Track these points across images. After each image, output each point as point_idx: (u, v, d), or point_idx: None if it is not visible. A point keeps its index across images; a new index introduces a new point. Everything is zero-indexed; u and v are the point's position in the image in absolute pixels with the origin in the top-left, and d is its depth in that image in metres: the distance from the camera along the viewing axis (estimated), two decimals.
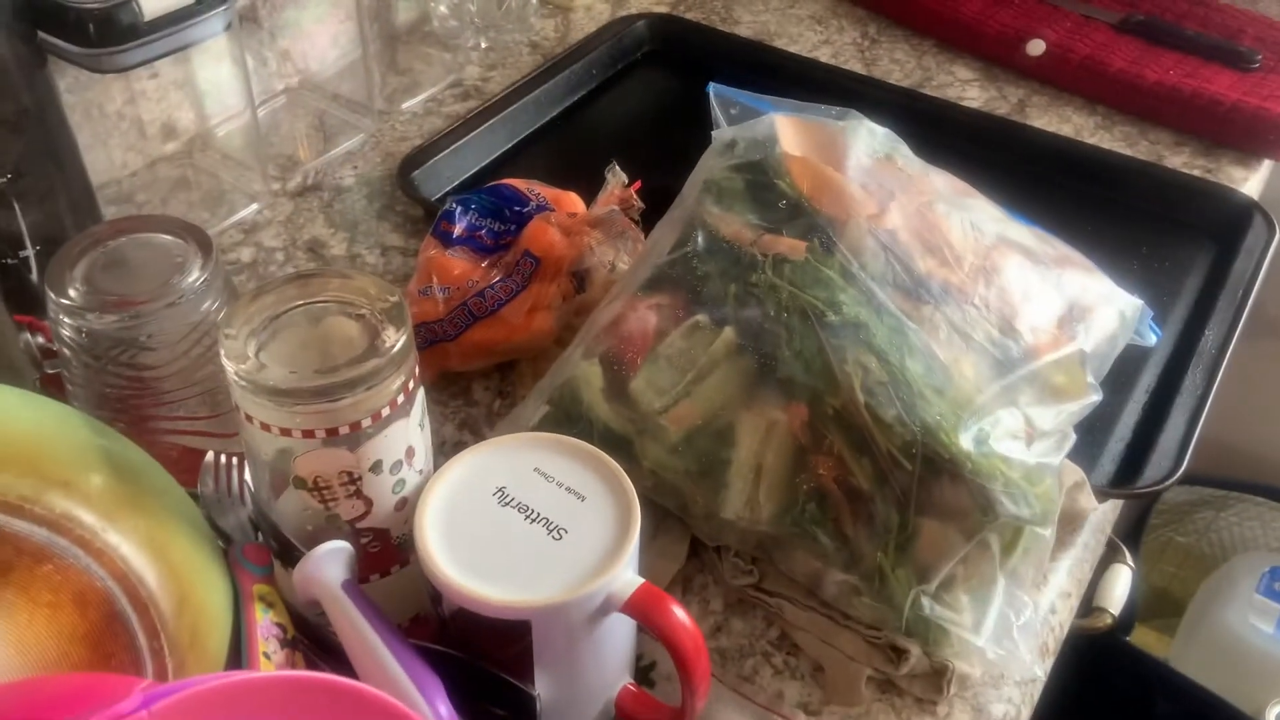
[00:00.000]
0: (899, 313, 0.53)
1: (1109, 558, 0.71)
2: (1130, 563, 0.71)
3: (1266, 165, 0.87)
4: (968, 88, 0.94)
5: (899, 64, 0.97)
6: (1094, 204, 0.82)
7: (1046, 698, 0.56)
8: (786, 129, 0.60)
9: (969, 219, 0.58)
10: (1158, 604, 1.32)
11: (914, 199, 0.58)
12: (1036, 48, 0.93)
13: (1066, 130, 0.89)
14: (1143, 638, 1.26)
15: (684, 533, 0.57)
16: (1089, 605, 0.70)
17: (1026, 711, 0.54)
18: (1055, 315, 0.56)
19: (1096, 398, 0.55)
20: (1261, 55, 0.89)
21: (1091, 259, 0.61)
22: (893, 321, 0.53)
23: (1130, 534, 1.27)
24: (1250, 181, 0.84)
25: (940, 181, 0.61)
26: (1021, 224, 0.61)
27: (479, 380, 0.68)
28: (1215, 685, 1.11)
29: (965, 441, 0.50)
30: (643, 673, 0.53)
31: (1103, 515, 0.63)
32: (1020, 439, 0.52)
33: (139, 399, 0.52)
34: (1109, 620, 0.69)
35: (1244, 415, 1.25)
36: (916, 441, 0.50)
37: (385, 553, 0.49)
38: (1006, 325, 0.54)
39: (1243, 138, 0.85)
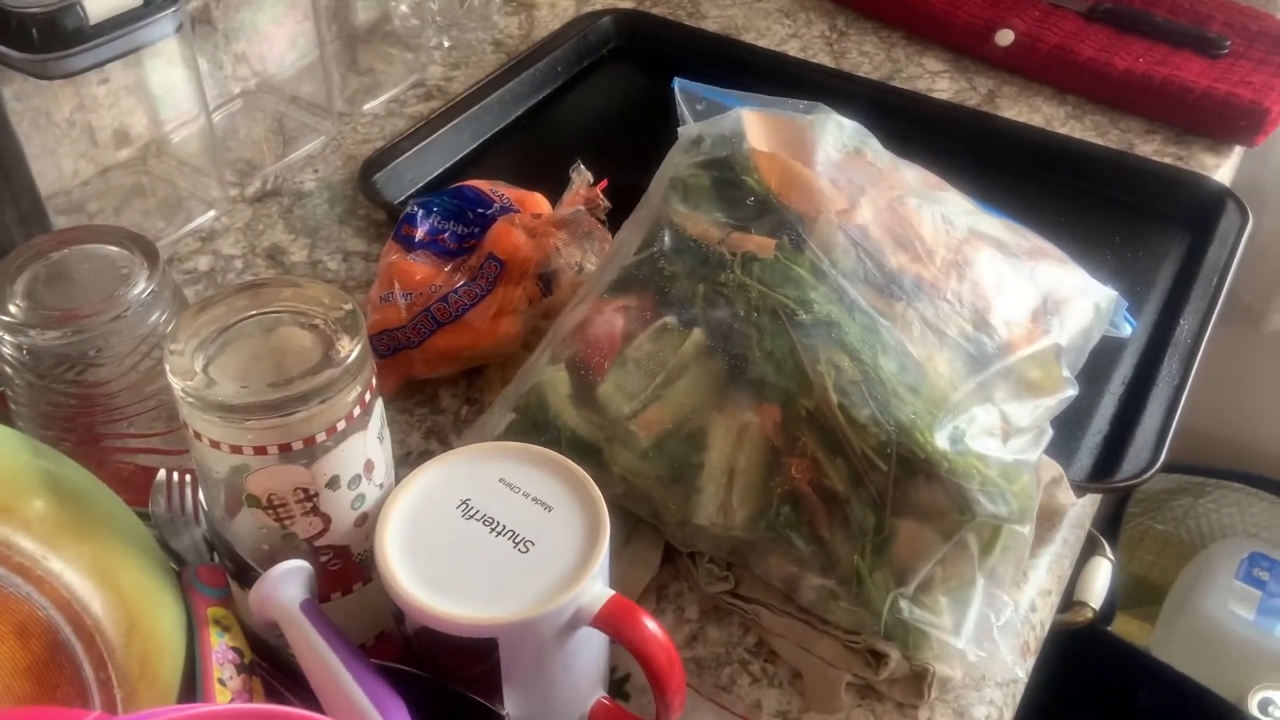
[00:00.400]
0: (871, 310, 0.52)
1: (1088, 551, 0.70)
2: (1110, 555, 0.71)
3: (1238, 151, 0.86)
4: (937, 79, 0.93)
5: (868, 56, 0.96)
6: (1066, 194, 0.82)
7: (1027, 690, 0.55)
8: (754, 124, 0.59)
9: (940, 212, 0.57)
10: (1137, 592, 1.32)
11: (884, 193, 0.57)
12: (1005, 38, 0.92)
13: (1037, 120, 0.88)
14: (1123, 626, 1.26)
15: (657, 540, 0.56)
16: (1069, 599, 0.69)
17: (1009, 713, 0.53)
18: (1029, 309, 0.55)
19: (1073, 392, 0.54)
20: (1231, 41, 0.89)
21: (1064, 250, 0.60)
22: (865, 319, 0.52)
23: (1109, 523, 1.27)
24: (1222, 168, 0.84)
25: (911, 175, 0.60)
26: (993, 216, 0.60)
27: (445, 387, 0.66)
28: (1196, 673, 1.11)
29: (941, 440, 0.49)
30: (616, 685, 0.52)
31: (1081, 509, 0.62)
32: (996, 436, 0.51)
33: (87, 417, 0.50)
34: (1090, 614, 0.69)
35: (1219, 402, 1.25)
36: (891, 441, 0.49)
37: (346, 570, 0.47)
38: (980, 320, 0.53)
39: (1214, 124, 0.85)
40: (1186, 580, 1.24)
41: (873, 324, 0.52)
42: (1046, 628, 0.57)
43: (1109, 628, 1.19)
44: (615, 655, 0.51)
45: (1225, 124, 0.84)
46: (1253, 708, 1.11)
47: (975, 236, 0.57)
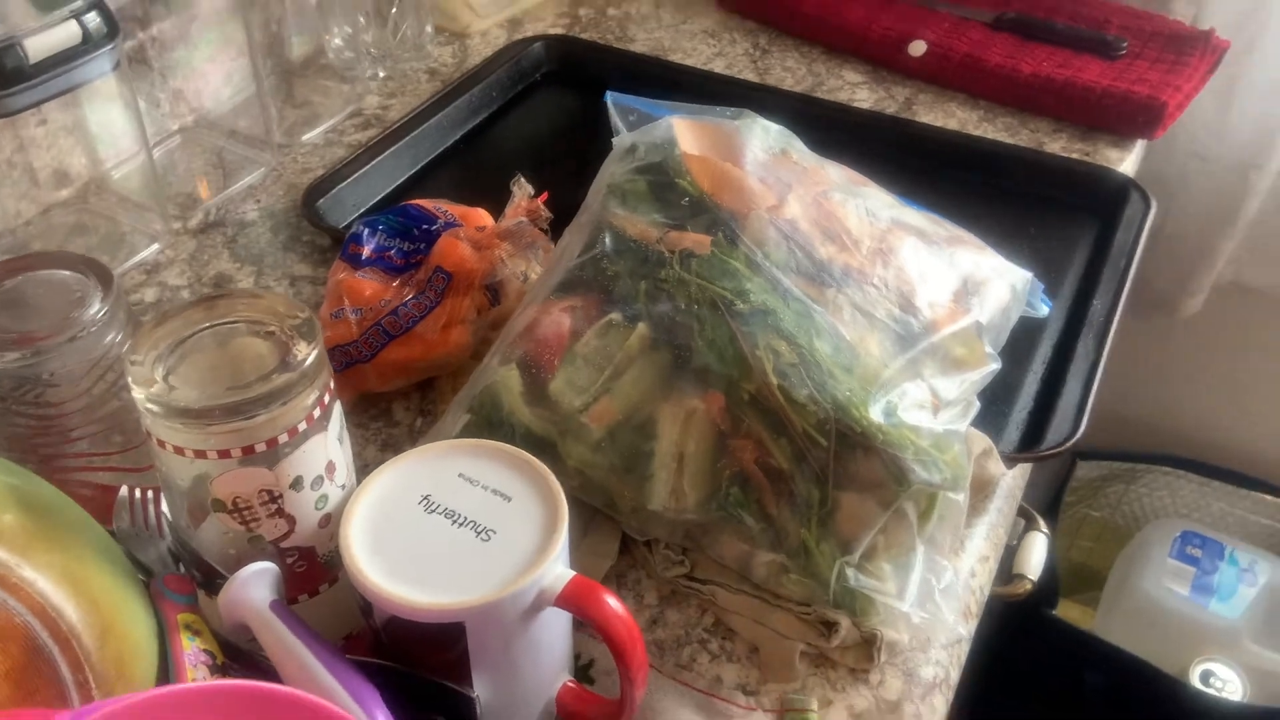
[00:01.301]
0: (804, 297, 0.55)
1: (1025, 527, 0.73)
2: (1044, 529, 0.74)
3: (1140, 145, 0.92)
4: (857, 90, 0.98)
5: (790, 71, 1.00)
6: (983, 191, 0.86)
7: (976, 677, 0.57)
8: (684, 130, 0.62)
9: (864, 205, 0.60)
10: (1079, 578, 1.37)
11: (810, 189, 0.60)
12: (918, 49, 0.97)
13: (952, 124, 0.93)
14: (1067, 612, 1.30)
15: (614, 530, 0.58)
16: (1009, 574, 0.72)
17: (955, 672, 0.55)
18: (951, 290, 0.58)
19: (995, 366, 0.57)
20: (1127, 42, 0.95)
21: (985, 244, 0.64)
22: (799, 306, 0.55)
23: (1047, 511, 1.32)
24: (1126, 161, 0.89)
25: (834, 172, 0.63)
26: (914, 209, 0.64)
27: (399, 400, 0.68)
28: (1139, 650, 1.15)
29: (875, 414, 0.52)
30: (582, 670, 0.53)
31: (1013, 482, 0.65)
32: (927, 409, 0.54)
33: (45, 437, 0.51)
34: (1028, 586, 0.72)
35: (1145, 390, 1.31)
36: (829, 418, 0.52)
37: (312, 571, 0.49)
38: (906, 302, 0.56)
39: (1115, 121, 0.90)
40: (1124, 563, 1.29)
41: (806, 310, 0.54)
42: (986, 592, 0.60)
43: (1054, 613, 1.23)
44: (580, 643, 0.53)
45: (1126, 120, 0.90)
46: (1194, 679, 1.16)
47: (898, 226, 0.60)
